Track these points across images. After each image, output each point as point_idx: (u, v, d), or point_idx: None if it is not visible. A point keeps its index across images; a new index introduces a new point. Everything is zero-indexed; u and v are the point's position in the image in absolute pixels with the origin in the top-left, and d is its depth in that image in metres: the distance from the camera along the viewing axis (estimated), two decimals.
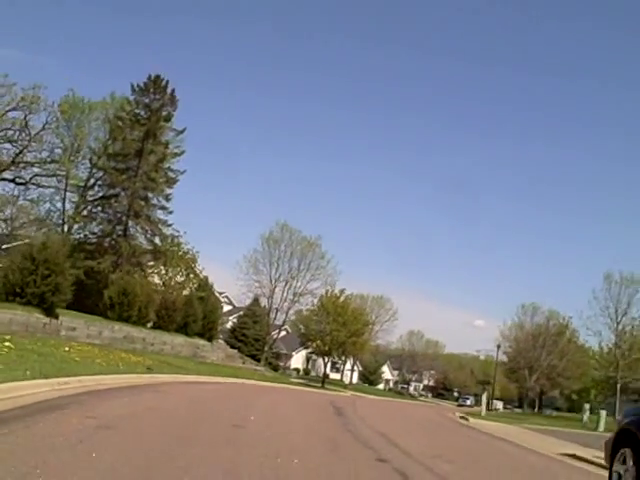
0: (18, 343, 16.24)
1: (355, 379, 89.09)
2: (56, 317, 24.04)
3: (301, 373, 74.98)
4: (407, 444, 11.52)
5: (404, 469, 8.09)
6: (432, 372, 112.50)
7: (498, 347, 58.86)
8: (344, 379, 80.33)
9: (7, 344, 15.42)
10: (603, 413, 31.15)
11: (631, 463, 6.95)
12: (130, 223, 40.00)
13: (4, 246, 41.90)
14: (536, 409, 63.92)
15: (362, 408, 23.60)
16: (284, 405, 18.47)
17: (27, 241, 40.46)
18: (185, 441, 7.68)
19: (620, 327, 43.55)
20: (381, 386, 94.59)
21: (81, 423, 7.52)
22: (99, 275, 37.94)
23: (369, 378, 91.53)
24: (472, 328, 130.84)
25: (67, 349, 18.91)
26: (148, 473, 5.50)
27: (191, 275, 47.01)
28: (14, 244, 41.17)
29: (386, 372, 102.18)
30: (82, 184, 43.49)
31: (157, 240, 41.80)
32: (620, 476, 7.28)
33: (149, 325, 33.10)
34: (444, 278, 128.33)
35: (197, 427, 9.40)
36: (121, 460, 5.75)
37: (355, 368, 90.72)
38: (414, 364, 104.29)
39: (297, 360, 80.00)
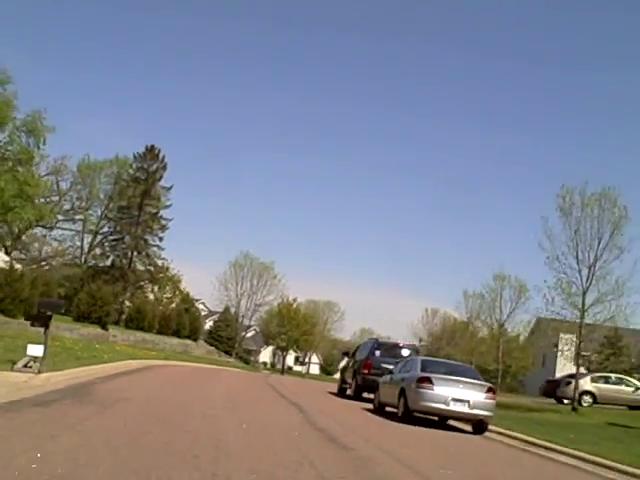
0: (102, 345, 31.57)
1: (317, 370, 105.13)
2: (107, 330, 39.56)
3: (268, 366, 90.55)
4: (287, 385, 27.22)
5: (278, 388, 23.79)
6: None
7: (420, 340, 75.52)
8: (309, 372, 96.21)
9: (98, 346, 30.68)
10: None
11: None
12: (134, 258, 55.24)
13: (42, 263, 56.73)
14: None
15: (285, 381, 39.13)
16: (238, 375, 34.06)
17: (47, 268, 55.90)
18: (192, 380, 23.30)
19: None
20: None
21: (159, 374, 23.07)
22: (112, 297, 53.07)
23: (327, 369, 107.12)
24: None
25: (118, 348, 34.17)
26: (183, 381, 21.13)
27: (177, 292, 62.39)
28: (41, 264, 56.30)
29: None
30: (94, 228, 58.72)
31: (152, 269, 57.01)
32: None
33: (154, 331, 48.42)
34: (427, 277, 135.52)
35: (197, 377, 25.03)
36: (172, 380, 21.35)
37: (318, 361, 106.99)
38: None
39: (265, 355, 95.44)
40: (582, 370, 46.78)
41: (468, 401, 13.77)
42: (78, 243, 59.31)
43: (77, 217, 58.81)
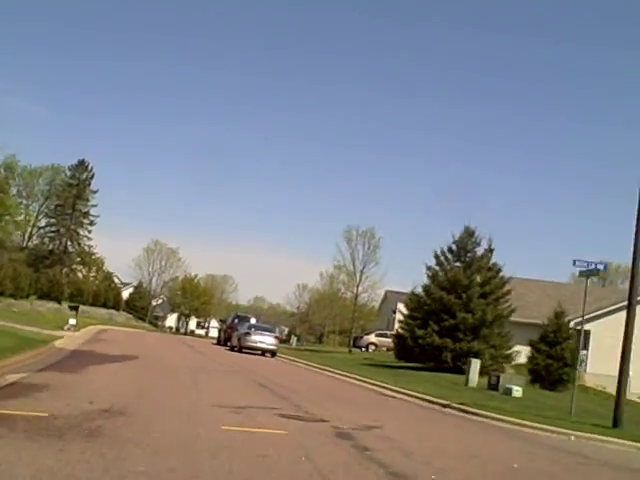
0: (65, 317, 47.99)
1: (217, 334, 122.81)
2: (61, 304, 55.77)
3: (173, 330, 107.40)
4: (188, 340, 44.88)
5: (183, 340, 41.52)
6: (282, 327, 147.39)
7: (298, 308, 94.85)
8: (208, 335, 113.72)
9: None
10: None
11: None
12: (68, 246, 70.71)
13: None
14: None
15: (188, 338, 56.70)
16: (156, 334, 51.33)
17: None
18: (135, 336, 40.71)
19: None
20: None
21: (116, 333, 40.32)
22: (53, 277, 68.52)
23: None
24: None
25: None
26: (128, 339, 38.62)
27: (99, 272, 78.27)
28: None
29: None
30: (33, 220, 73.60)
31: (81, 253, 72.65)
32: None
33: (88, 304, 64.53)
34: None
35: (135, 334, 42.36)
36: (121, 340, 38.78)
37: (217, 325, 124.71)
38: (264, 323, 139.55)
39: (171, 320, 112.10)
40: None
41: (265, 342, 32.04)
42: (18, 232, 73.84)
43: (20, 212, 73.26)
